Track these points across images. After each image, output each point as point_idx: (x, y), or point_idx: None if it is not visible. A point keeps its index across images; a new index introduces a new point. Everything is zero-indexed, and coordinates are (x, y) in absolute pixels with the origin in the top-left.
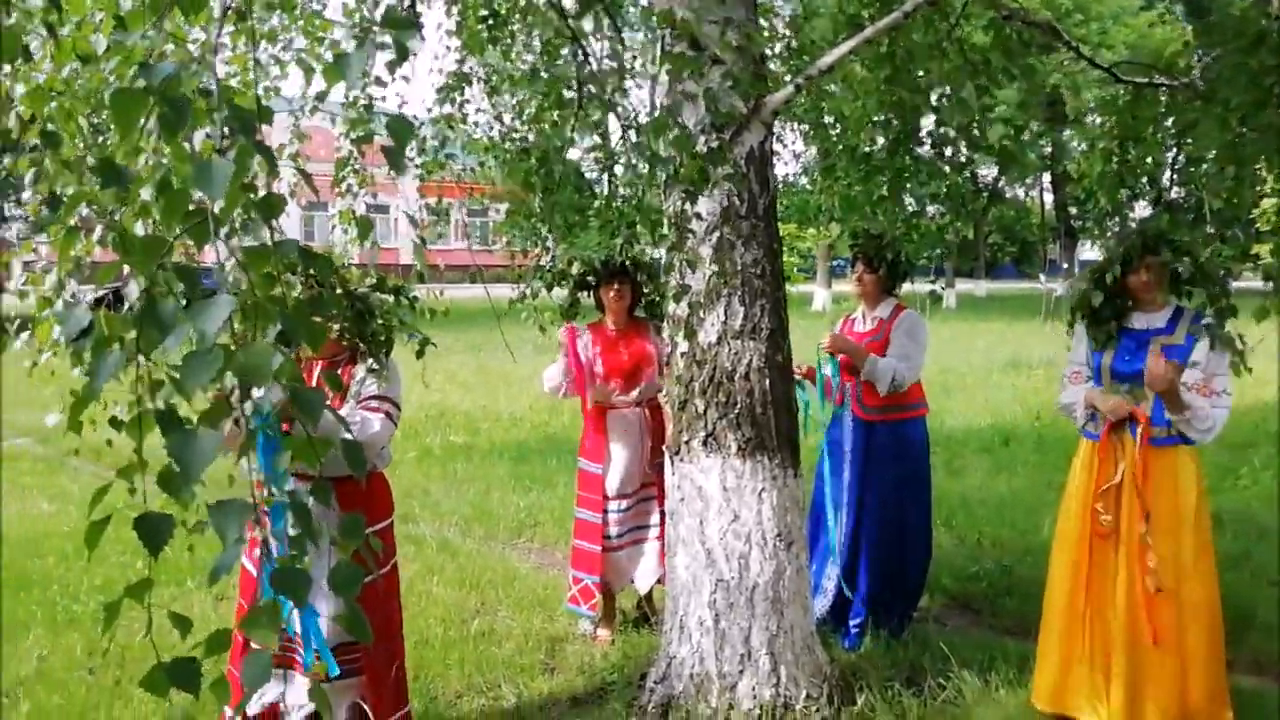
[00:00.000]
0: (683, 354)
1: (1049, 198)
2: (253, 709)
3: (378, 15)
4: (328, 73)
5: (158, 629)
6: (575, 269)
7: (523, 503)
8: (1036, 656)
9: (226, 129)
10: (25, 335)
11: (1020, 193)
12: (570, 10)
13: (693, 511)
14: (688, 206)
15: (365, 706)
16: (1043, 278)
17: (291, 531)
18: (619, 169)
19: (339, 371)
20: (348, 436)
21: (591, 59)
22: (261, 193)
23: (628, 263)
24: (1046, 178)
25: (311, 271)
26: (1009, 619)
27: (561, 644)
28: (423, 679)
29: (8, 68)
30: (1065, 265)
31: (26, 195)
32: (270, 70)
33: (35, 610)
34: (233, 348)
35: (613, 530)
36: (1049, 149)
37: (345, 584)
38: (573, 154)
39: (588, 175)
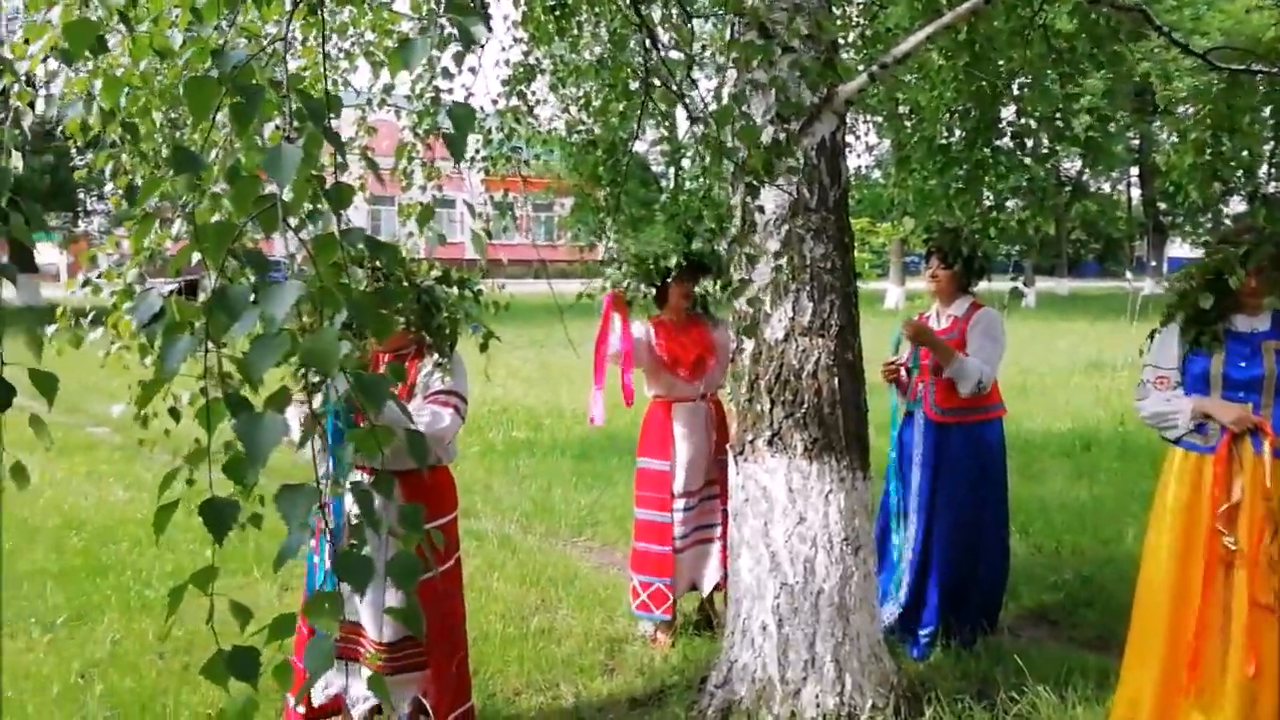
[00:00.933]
0: (743, 350)
1: (1136, 192)
2: (317, 699)
3: (443, 5)
4: (392, 60)
5: (223, 618)
6: (673, 262)
7: (584, 500)
8: (1120, 675)
9: (295, 119)
10: (99, 329)
11: (1106, 187)
12: None
13: (757, 513)
14: (750, 199)
15: (426, 702)
16: (1129, 276)
17: (353, 520)
18: (685, 162)
19: (406, 365)
20: (412, 428)
21: (659, 47)
22: (330, 183)
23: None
24: (1134, 171)
25: (377, 263)
26: (1089, 631)
27: (621, 645)
28: (482, 675)
29: (89, 64)
30: (1153, 263)
31: (109, 188)
32: (340, 64)
33: (110, 595)
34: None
35: (678, 530)
36: (1137, 141)
37: (403, 575)
38: (639, 147)
39: (654, 169)
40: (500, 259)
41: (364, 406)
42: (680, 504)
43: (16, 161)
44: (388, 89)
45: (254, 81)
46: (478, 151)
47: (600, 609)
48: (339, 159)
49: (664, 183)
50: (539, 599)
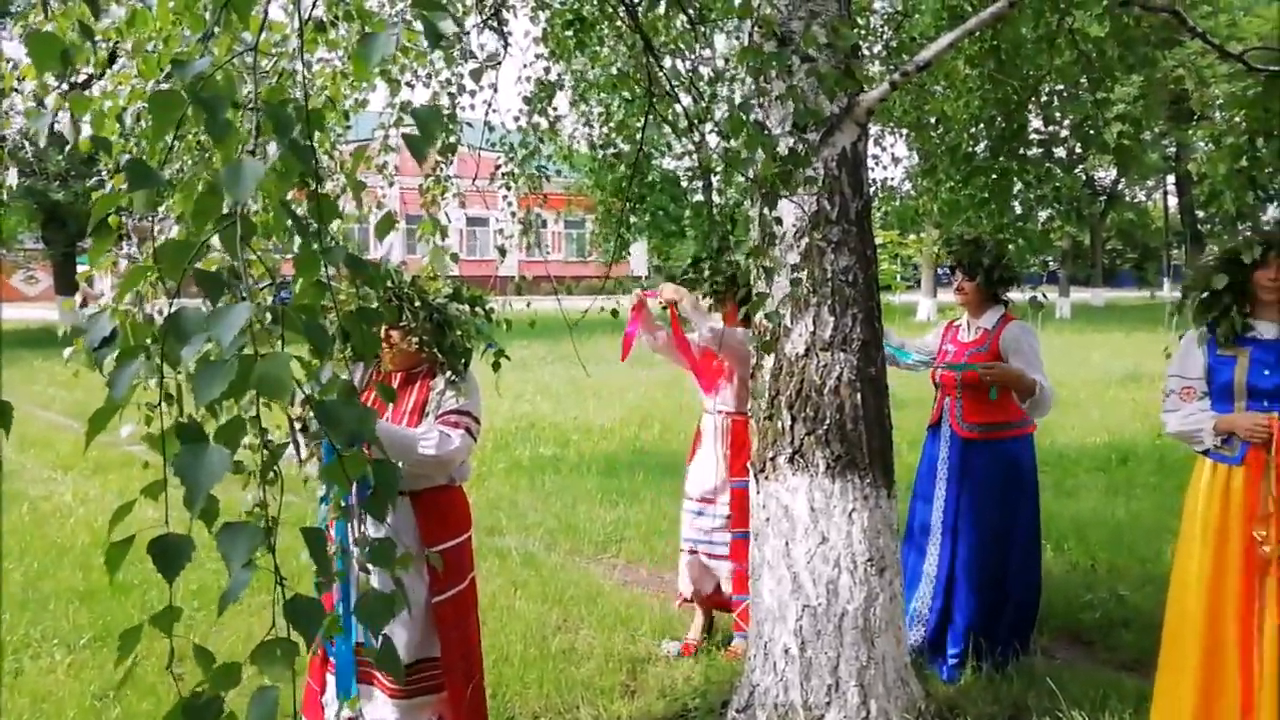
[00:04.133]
0: (763, 366)
1: (1173, 200)
2: None
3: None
4: (355, 61)
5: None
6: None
7: (609, 517)
8: (1154, 697)
9: (261, 132)
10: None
11: (1142, 195)
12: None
13: (778, 533)
14: (767, 210)
15: None
16: (1166, 284)
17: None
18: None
19: (418, 384)
20: (386, 453)
21: (656, 55)
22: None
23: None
24: (1170, 179)
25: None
26: (1125, 653)
27: (643, 665)
28: (500, 697)
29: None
30: (1190, 271)
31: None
32: (359, 84)
33: (133, 614)
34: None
35: (687, 532)
36: (1173, 149)
37: (371, 617)
38: (670, 164)
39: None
40: (525, 275)
41: (328, 435)
42: (690, 506)
43: (11, 178)
44: (404, 106)
45: (216, 94)
46: (498, 168)
47: (622, 629)
48: (307, 170)
49: (693, 198)
50: (561, 618)
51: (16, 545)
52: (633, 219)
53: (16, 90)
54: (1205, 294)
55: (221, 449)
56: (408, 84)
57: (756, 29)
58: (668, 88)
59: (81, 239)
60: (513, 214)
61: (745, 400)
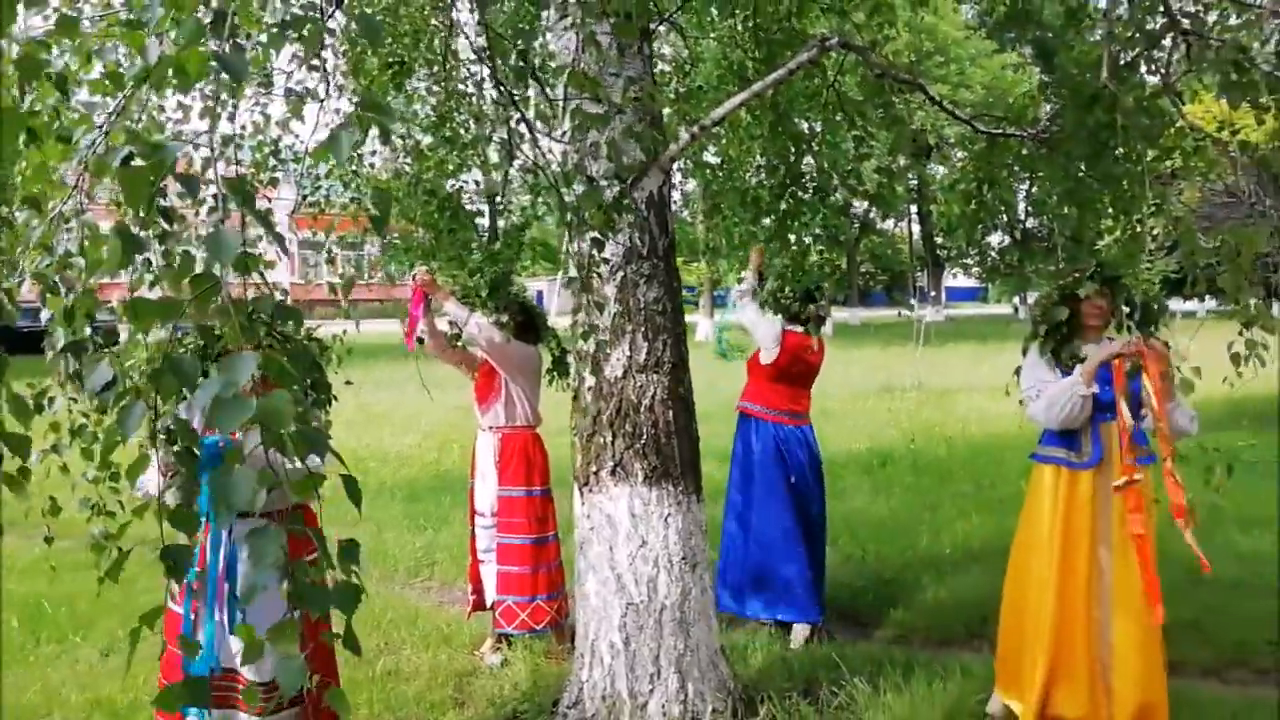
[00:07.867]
0: (589, 388)
1: (916, 228)
2: None
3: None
4: (318, 154)
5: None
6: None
7: (419, 542)
8: (997, 673)
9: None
10: None
11: (889, 224)
12: (504, 76)
13: (602, 539)
14: (596, 252)
15: None
16: (914, 304)
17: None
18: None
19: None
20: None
21: (530, 127)
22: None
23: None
24: (914, 209)
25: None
26: (894, 629)
27: (469, 678)
28: None
29: None
30: (933, 292)
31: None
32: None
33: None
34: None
35: (483, 543)
36: (915, 182)
37: (347, 602)
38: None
39: (468, 208)
40: (307, 299)
41: (300, 455)
42: (481, 521)
43: None
44: (226, 140)
45: (193, 173)
46: (304, 197)
47: (445, 645)
48: (272, 235)
49: (480, 221)
50: (382, 641)
51: None
52: (431, 242)
53: None
54: (1053, 324)
55: (250, 471)
56: (228, 117)
57: (579, 90)
58: (522, 146)
59: None
60: (328, 237)
61: (514, 415)
